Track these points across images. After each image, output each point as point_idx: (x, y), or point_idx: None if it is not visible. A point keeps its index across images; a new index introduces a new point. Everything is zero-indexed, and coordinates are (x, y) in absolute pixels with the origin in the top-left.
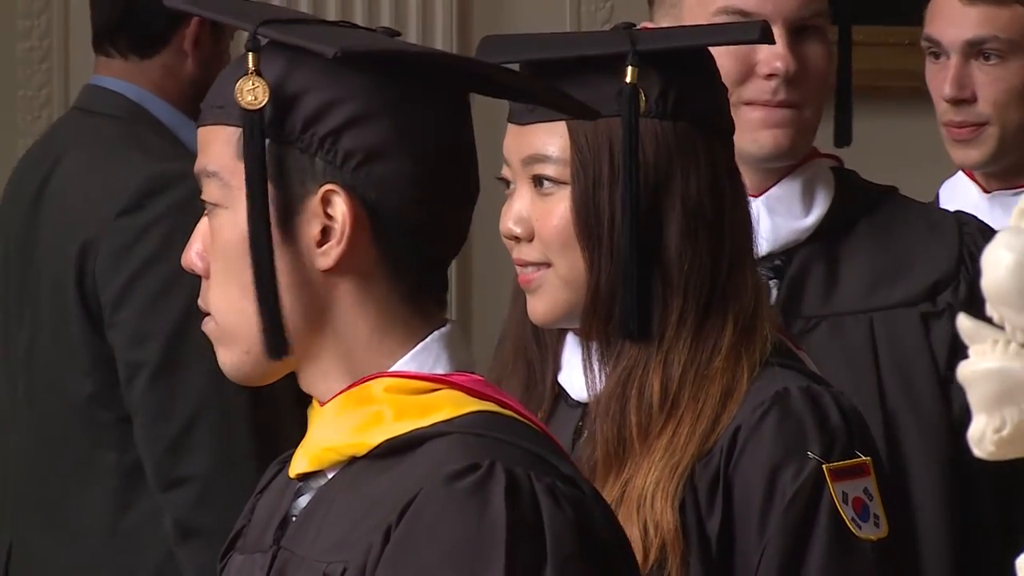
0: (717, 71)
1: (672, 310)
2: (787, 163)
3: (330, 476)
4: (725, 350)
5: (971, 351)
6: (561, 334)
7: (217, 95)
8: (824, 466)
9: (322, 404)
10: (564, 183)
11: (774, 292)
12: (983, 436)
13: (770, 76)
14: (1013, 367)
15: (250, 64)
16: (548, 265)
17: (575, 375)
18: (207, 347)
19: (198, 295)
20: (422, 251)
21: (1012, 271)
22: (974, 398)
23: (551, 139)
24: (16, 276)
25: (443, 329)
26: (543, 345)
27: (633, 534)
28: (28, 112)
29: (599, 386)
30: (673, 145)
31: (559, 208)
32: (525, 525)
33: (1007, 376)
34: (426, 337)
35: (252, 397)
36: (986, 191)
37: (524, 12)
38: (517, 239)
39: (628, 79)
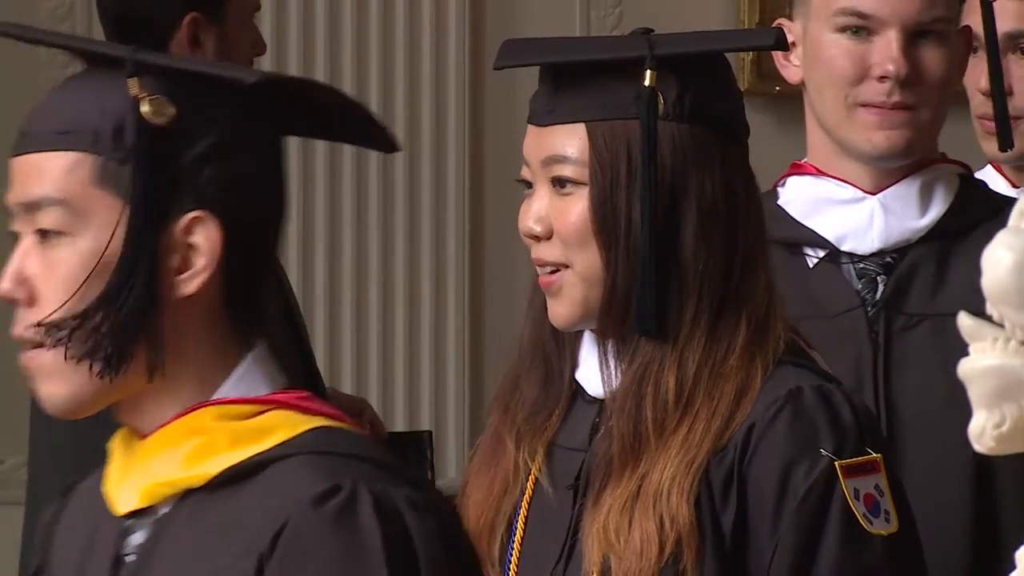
0: (732, 75)
1: (687, 309)
2: (902, 163)
3: (163, 511)
4: (739, 349)
5: (972, 348)
6: (578, 332)
7: (57, 121)
8: (836, 463)
9: (144, 436)
10: (583, 184)
11: (880, 288)
12: (983, 432)
13: (883, 78)
14: (1013, 364)
15: (136, 89)
16: (567, 266)
17: (592, 372)
18: None
19: None
20: (257, 276)
21: (1011, 271)
22: (974, 394)
23: (570, 140)
24: None
25: (257, 350)
26: (561, 343)
27: (649, 528)
28: None
29: (615, 383)
30: (689, 148)
31: (577, 207)
32: (397, 539)
33: (1007, 373)
34: (243, 359)
35: None
36: (1015, 186)
37: (535, 18)
38: (536, 238)
39: (647, 82)
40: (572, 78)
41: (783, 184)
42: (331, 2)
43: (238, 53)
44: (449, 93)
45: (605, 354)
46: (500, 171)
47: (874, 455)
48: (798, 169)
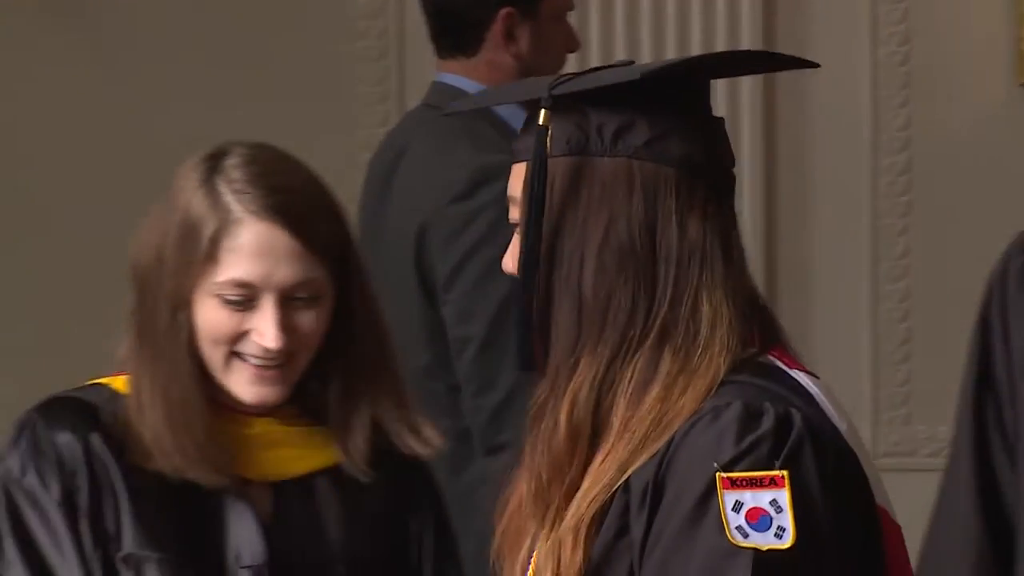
0: (689, 109)
1: (584, 343)
2: None
3: None
4: (662, 383)
5: None
6: None
7: None
8: (719, 474)
9: None
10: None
11: None
12: None
13: None
14: None
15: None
16: None
17: None
18: None
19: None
20: None
21: None
22: None
23: (517, 181)
24: (367, 253)
25: None
26: None
27: (548, 570)
28: (367, 105)
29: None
30: (599, 181)
31: (516, 246)
32: None
33: None
34: None
35: None
36: None
37: (824, 8)
38: None
39: (541, 121)
40: (528, 118)
41: None
42: (629, 4)
43: (551, 50)
44: (743, 94)
45: None
46: (792, 168)
47: (777, 472)
48: None
